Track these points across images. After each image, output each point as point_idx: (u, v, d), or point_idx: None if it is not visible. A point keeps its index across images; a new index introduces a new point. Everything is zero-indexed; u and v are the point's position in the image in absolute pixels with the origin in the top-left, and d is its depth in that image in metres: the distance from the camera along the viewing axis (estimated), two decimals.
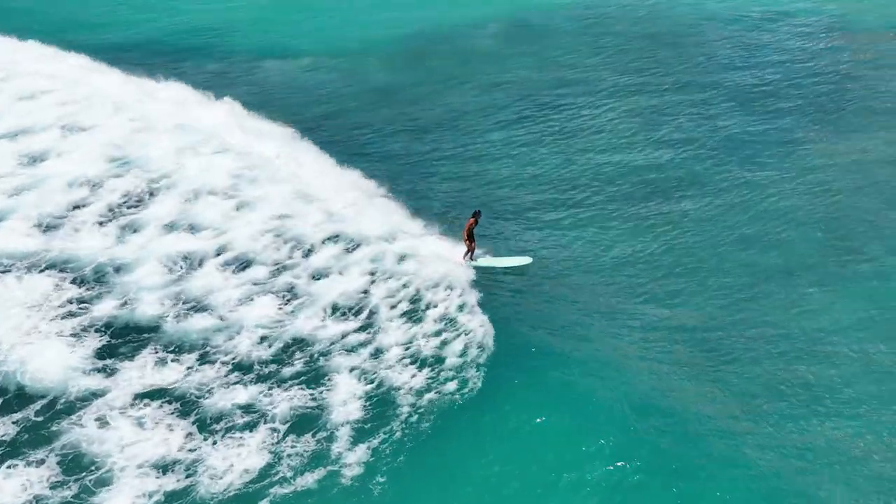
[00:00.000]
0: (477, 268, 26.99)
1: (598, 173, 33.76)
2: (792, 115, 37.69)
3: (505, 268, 27.28)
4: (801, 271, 27.54)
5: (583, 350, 23.86)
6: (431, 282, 25.80)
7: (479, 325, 24.43)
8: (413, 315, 24.72)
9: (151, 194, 28.56)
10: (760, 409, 22.00)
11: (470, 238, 26.44)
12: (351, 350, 23.40)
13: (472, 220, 26.47)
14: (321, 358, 23.08)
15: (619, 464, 19.53)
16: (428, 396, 22.15)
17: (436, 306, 25.10)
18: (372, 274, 26.06)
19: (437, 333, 24.15)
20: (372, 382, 22.45)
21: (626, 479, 19.21)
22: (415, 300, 25.23)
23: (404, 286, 25.68)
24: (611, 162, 34.48)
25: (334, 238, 27.20)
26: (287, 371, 22.61)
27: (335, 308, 24.78)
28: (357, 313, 24.72)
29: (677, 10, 47.65)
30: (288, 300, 24.85)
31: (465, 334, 24.06)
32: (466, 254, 26.81)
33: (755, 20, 46.74)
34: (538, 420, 21.26)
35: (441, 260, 26.79)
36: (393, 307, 24.98)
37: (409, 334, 24.06)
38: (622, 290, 27.21)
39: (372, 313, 24.73)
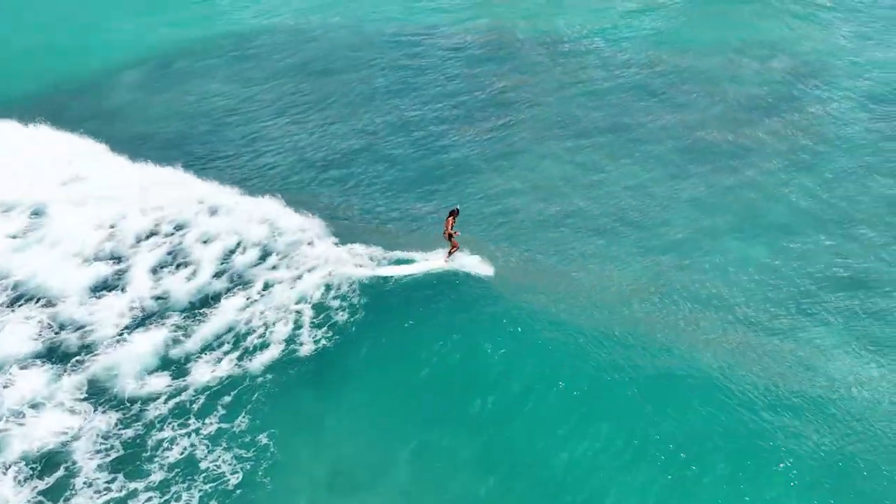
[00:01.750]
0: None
1: None
2: (457, 133, 33.84)
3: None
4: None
5: None
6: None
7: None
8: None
9: None
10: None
11: (451, 236, 24.76)
12: None
13: (450, 218, 24.58)
14: None
15: None
16: None
17: (169, 448, 19.35)
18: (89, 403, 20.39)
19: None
20: None
21: None
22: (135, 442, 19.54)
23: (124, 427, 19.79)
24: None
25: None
26: None
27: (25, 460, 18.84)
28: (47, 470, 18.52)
29: (333, 36, 42.72)
30: None
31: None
32: (450, 253, 25.12)
33: (411, 40, 42.04)
34: None
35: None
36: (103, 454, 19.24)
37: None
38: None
39: (71, 467, 18.60)
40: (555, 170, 31.27)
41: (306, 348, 22.61)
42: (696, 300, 24.73)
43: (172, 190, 28.26)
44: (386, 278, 24.86)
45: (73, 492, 18.50)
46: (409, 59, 39.91)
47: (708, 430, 20.30)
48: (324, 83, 37.88)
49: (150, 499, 18.53)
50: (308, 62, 39.88)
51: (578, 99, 36.06)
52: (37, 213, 26.86)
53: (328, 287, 24.38)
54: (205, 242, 26.11)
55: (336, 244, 26.06)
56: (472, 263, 25.27)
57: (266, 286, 24.49)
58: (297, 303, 23.92)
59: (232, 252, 25.75)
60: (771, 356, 22.72)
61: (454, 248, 25.18)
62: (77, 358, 21.69)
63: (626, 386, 21.48)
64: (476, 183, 30.47)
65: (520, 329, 23.05)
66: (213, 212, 27.25)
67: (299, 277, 24.73)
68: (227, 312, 23.45)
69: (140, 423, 20.17)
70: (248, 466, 19.31)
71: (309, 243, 26.15)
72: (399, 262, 25.58)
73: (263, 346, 22.59)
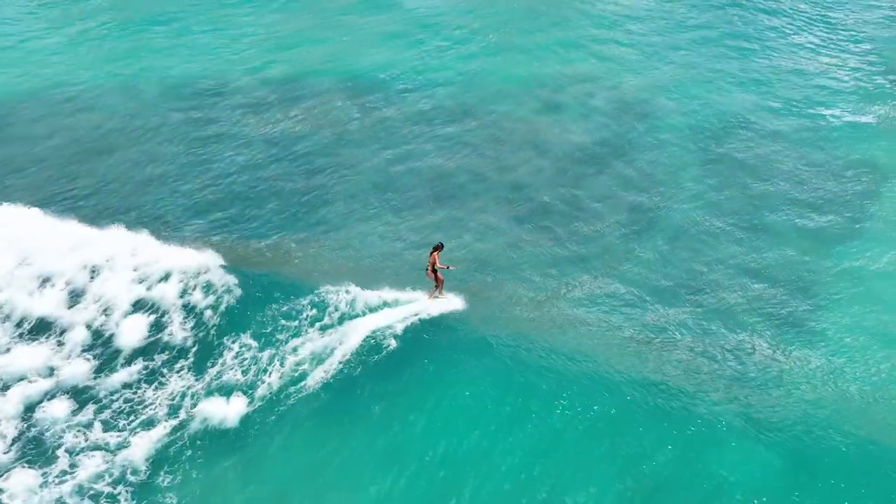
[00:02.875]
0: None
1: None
2: (260, 210, 29.50)
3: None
4: None
5: None
6: None
7: None
8: None
9: None
10: None
11: (435, 272, 24.02)
12: None
13: (435, 252, 23.83)
14: None
15: None
16: None
17: None
18: None
19: None
20: None
21: None
22: None
23: None
24: None
25: None
26: None
27: None
28: None
29: (107, 102, 36.10)
30: None
31: None
32: (434, 291, 24.34)
33: (198, 100, 36.64)
34: None
35: None
36: None
37: None
38: None
39: None
40: (378, 247, 27.68)
41: None
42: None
43: None
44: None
45: None
46: (198, 124, 34.78)
47: None
48: (98, 165, 31.94)
49: None
50: (77, 138, 33.73)
51: (395, 161, 32.36)
52: None
53: (158, 460, 19.27)
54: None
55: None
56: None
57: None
58: (112, 482, 18.75)
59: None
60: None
61: (439, 284, 24.15)
62: None
63: None
64: (289, 264, 26.48)
65: None
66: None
67: (124, 445, 19.48)
68: None
69: None
70: None
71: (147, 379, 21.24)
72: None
73: None
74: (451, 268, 23.79)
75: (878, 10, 44.99)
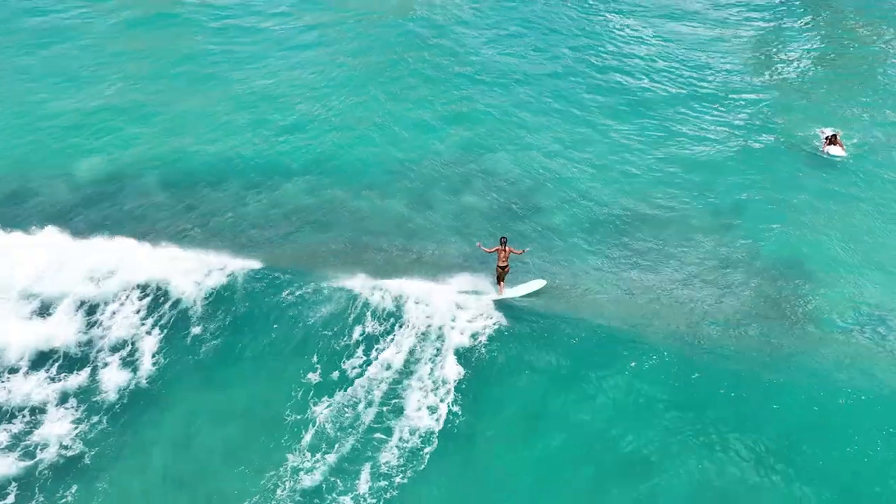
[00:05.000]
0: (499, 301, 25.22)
1: None
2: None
3: (524, 296, 25.73)
4: None
5: None
6: None
7: None
8: None
9: None
10: None
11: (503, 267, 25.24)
12: None
13: (508, 247, 25.14)
14: None
15: None
16: None
17: None
18: None
19: None
20: None
21: None
22: None
23: None
24: None
25: None
26: None
27: None
28: None
29: None
30: None
31: None
32: (500, 283, 25.54)
33: None
34: None
35: None
36: None
37: None
38: None
39: None
40: None
41: None
42: None
43: None
44: None
45: None
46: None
47: None
48: None
49: None
50: None
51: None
52: None
53: None
54: None
55: None
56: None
57: None
58: None
59: None
60: None
61: (502, 276, 25.43)
62: None
63: None
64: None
65: None
66: None
67: None
68: None
69: None
70: None
71: None
72: None
73: None
74: (527, 249, 25.84)
75: (768, 73, 40.57)
